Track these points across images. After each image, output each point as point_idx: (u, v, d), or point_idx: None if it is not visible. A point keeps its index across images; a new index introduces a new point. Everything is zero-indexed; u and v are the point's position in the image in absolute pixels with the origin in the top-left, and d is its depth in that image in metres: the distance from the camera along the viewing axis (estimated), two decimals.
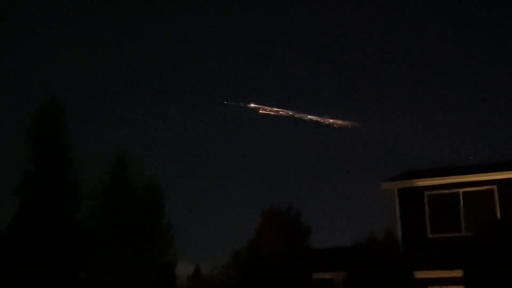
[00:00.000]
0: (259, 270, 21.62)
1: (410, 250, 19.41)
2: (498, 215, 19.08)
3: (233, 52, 53.01)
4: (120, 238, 20.94)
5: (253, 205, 39.58)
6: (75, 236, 18.55)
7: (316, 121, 39.11)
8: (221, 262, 25.27)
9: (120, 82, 52.57)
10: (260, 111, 38.48)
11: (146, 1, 50.93)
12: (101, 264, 19.99)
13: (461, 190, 19.75)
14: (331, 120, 38.70)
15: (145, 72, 52.06)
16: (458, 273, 17.57)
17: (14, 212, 17.92)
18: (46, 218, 17.69)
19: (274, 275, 21.10)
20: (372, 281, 17.78)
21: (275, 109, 38.72)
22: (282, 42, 54.43)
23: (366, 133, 43.25)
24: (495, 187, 19.30)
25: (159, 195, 23.99)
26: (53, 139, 18.35)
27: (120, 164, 22.24)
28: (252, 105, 38.49)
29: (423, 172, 21.75)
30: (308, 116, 39.22)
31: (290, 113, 39.25)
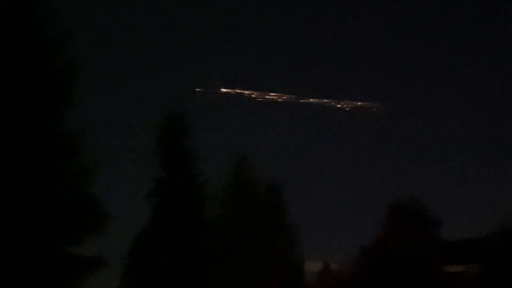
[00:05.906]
0: (387, 264, 21.26)
1: None
2: None
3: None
4: (246, 238, 21.37)
5: (379, 199, 38.78)
6: (205, 237, 19.11)
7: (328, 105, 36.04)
8: (349, 257, 25.12)
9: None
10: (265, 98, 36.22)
11: None
12: (232, 264, 20.50)
13: None
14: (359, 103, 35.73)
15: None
16: None
17: (148, 217, 18.61)
18: (178, 221, 18.35)
19: (402, 269, 20.67)
20: (511, 274, 16.92)
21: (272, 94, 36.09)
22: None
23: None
24: None
25: (281, 194, 24.23)
26: (179, 145, 19.01)
27: (242, 164, 22.71)
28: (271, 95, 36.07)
29: None
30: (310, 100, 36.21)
31: (285, 98, 36.42)
